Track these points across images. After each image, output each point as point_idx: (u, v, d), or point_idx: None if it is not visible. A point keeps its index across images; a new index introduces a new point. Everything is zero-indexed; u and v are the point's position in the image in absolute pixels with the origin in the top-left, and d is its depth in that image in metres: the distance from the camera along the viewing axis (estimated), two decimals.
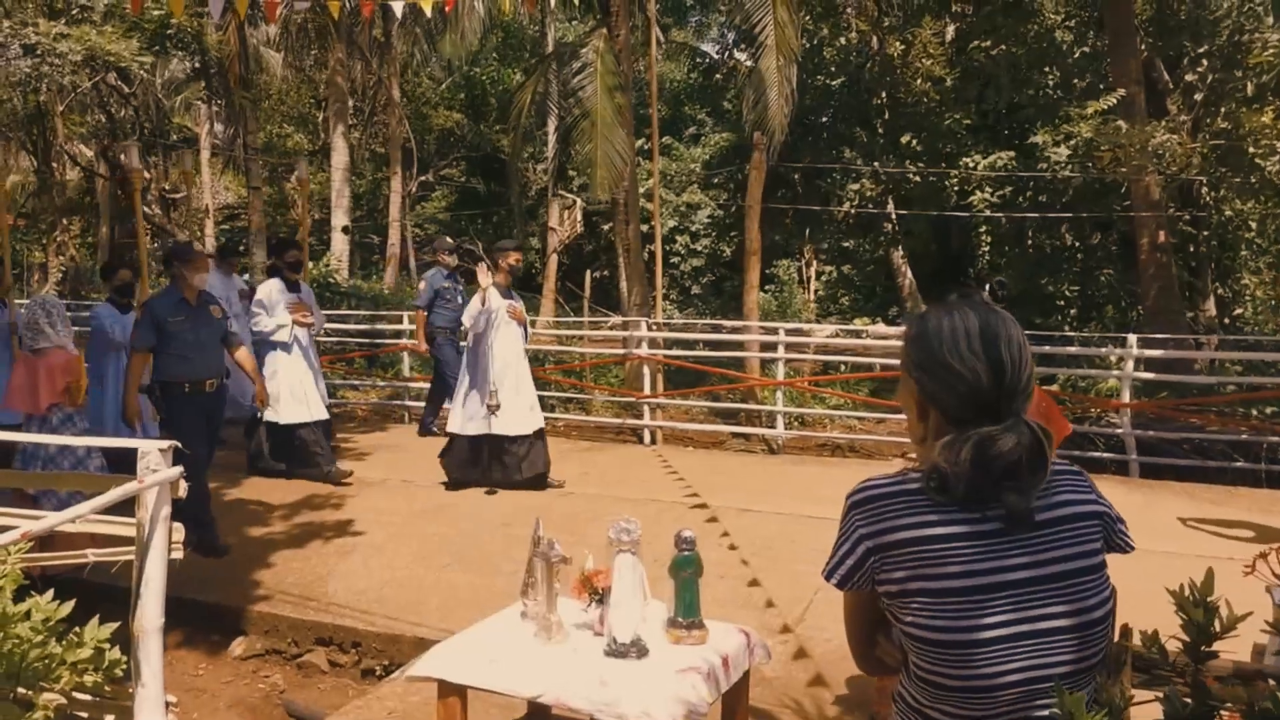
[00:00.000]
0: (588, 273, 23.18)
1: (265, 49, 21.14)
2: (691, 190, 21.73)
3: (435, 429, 8.66)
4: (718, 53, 18.66)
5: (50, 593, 2.95)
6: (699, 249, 22.15)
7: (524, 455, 6.68)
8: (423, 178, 25.01)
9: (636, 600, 2.66)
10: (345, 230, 14.52)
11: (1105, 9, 9.83)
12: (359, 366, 11.62)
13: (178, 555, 2.82)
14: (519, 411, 6.58)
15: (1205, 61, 10.18)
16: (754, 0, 9.44)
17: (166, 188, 22.77)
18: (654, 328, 9.79)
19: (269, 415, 6.87)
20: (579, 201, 20.55)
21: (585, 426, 9.73)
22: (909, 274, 16.53)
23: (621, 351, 9.92)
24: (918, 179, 14.46)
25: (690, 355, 10.58)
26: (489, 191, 26.86)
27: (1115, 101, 8.40)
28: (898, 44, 14.49)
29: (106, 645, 2.86)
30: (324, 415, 7.11)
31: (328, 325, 11.45)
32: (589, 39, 10.73)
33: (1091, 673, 1.36)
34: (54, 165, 17.92)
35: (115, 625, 2.87)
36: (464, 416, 6.65)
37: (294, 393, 6.89)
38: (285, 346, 6.92)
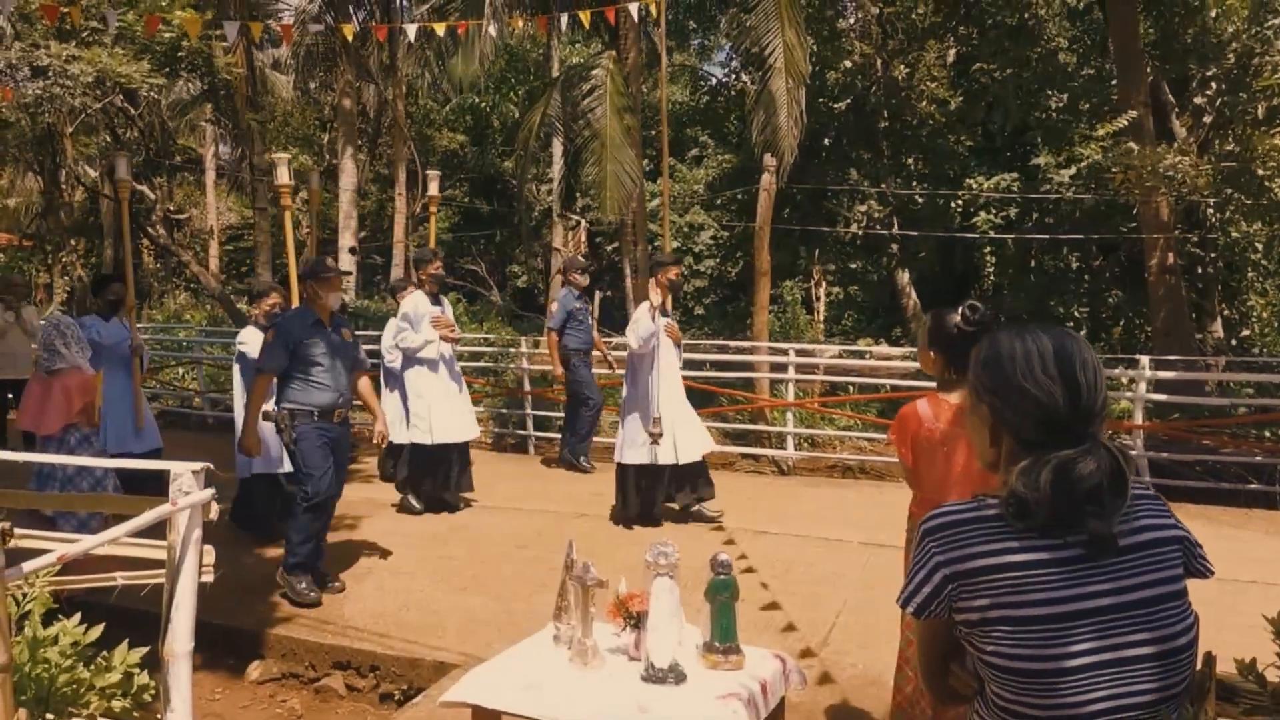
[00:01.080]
0: (596, 294, 23.19)
1: (271, 71, 21.32)
2: (694, 211, 21.81)
3: (585, 462, 8.26)
4: (725, 75, 18.76)
5: (77, 616, 2.92)
6: (702, 270, 22.19)
7: (692, 480, 6.41)
8: (423, 199, 25.10)
9: (674, 625, 2.63)
10: (352, 251, 14.56)
11: (1112, 33, 9.91)
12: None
13: (208, 579, 2.79)
14: (694, 433, 6.34)
15: (1214, 85, 10.24)
16: (763, 23, 9.51)
17: (171, 208, 22.83)
18: None
19: (416, 436, 6.58)
20: (583, 222, 20.61)
21: (594, 448, 9.69)
22: (914, 295, 16.56)
23: (623, 372, 9.88)
24: (923, 200, 14.52)
25: (698, 376, 10.56)
26: (491, 212, 26.94)
27: (1126, 124, 8.45)
28: (902, 67, 14.59)
29: (136, 670, 2.83)
30: (474, 433, 6.93)
31: None
32: (598, 61, 10.80)
33: (1176, 701, 1.34)
34: (62, 186, 17.97)
35: (145, 650, 2.84)
36: (631, 444, 6.27)
37: (444, 411, 6.57)
38: (432, 364, 6.59)
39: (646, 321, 6.03)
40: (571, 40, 23.01)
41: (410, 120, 21.94)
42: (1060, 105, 13.15)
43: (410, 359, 6.66)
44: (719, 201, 21.84)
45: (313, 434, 4.98)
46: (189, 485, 2.71)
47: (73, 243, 20.23)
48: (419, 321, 6.59)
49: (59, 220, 18.98)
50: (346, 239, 14.66)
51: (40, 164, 17.94)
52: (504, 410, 10.72)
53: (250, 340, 6.02)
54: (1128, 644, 1.32)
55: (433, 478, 6.71)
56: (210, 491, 2.74)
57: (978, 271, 17.39)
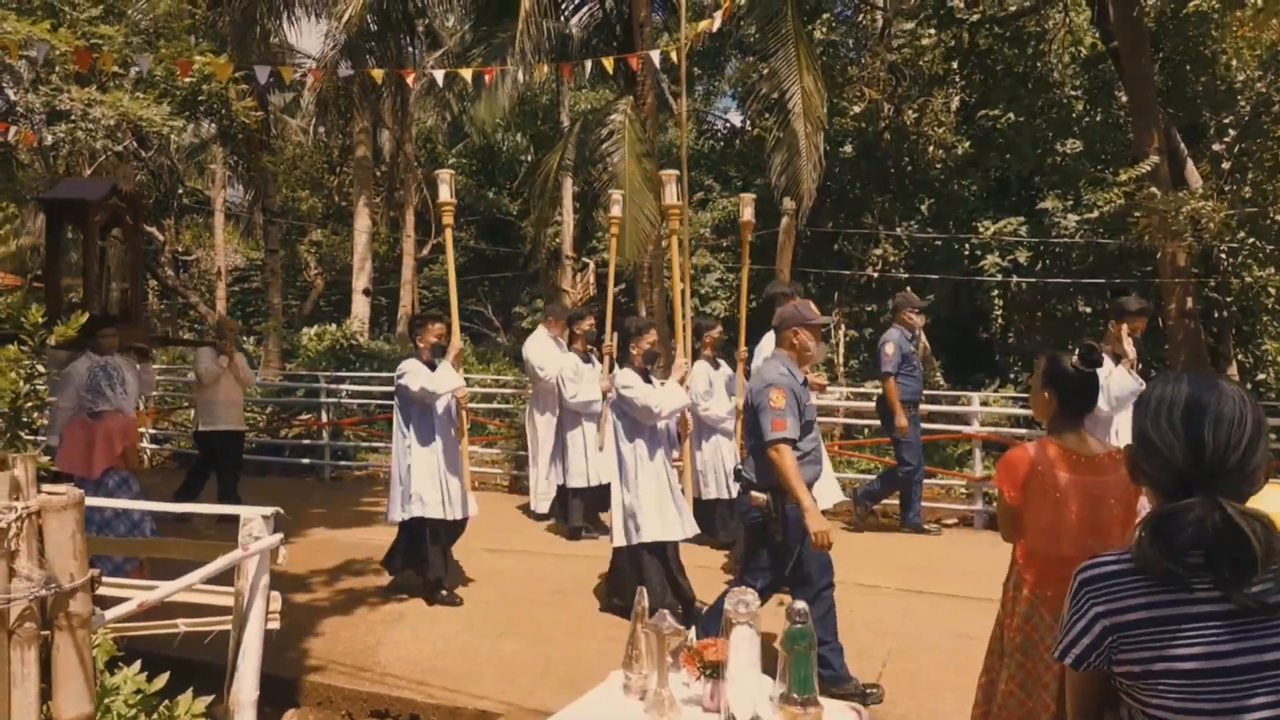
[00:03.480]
0: (616, 336, 23.23)
1: (283, 115, 21.58)
2: (700, 253, 21.94)
3: (927, 526, 7.60)
4: (741, 121, 18.98)
5: (137, 664, 2.87)
6: (707, 311, 22.28)
7: None
8: (435, 240, 25.27)
9: (755, 675, 2.59)
10: (366, 292, 14.60)
11: (1126, 82, 10.07)
12: (380, 428, 11.53)
13: (274, 625, 2.74)
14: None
15: (1232, 131, 10.39)
16: (783, 69, 9.65)
17: (179, 250, 22.93)
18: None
19: (574, 481, 7.05)
20: (590, 264, 20.71)
21: None
22: (924, 338, 16.58)
23: None
24: (938, 243, 14.62)
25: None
26: (497, 254, 27.07)
27: (1149, 169, 8.55)
28: (911, 112, 14.79)
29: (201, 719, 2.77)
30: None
31: (352, 387, 11.46)
32: (615, 106, 10.92)
33: None
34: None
35: (209, 699, 2.79)
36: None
37: (592, 456, 6.97)
38: (592, 417, 6.91)
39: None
40: (579, 86, 23.33)
41: (419, 164, 22.16)
42: (1077, 151, 13.32)
43: (574, 414, 7.08)
44: (725, 244, 21.99)
45: (799, 524, 3.92)
46: (259, 530, 2.67)
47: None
48: (581, 378, 6.94)
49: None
50: (361, 280, 14.72)
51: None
52: (521, 452, 10.66)
53: (412, 372, 5.48)
54: None
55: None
56: (278, 537, 2.71)
57: (985, 315, 17.46)
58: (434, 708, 4.36)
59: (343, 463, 10.95)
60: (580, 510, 7.22)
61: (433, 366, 5.55)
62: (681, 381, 5.40)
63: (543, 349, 7.63)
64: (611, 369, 6.48)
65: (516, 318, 27.15)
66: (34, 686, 2.04)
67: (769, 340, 5.88)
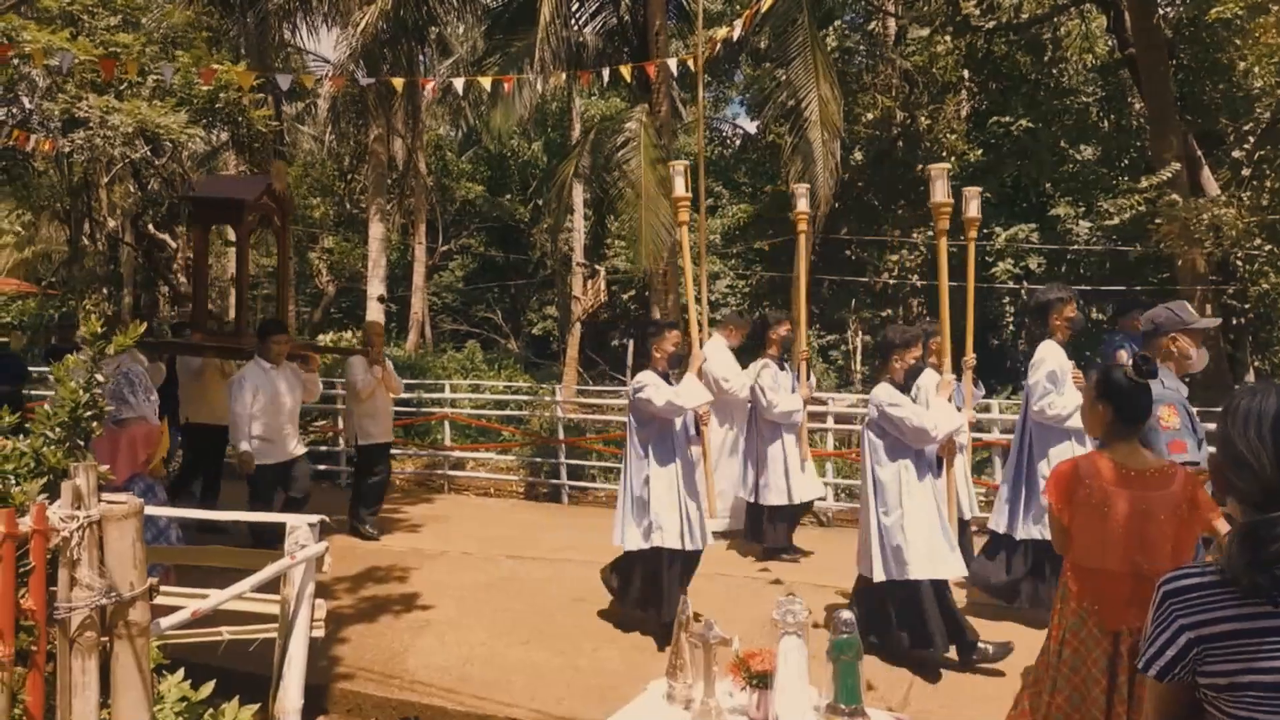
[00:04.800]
0: (630, 342, 23.20)
1: (294, 124, 21.66)
2: (710, 260, 21.98)
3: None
4: (758, 129, 19.03)
5: (181, 672, 2.88)
6: (717, 318, 22.29)
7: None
8: (445, 247, 25.36)
9: (803, 686, 2.58)
10: (380, 299, 14.63)
11: (1144, 89, 10.06)
12: (397, 435, 11.55)
13: (319, 634, 2.74)
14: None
15: (1251, 139, 10.38)
16: (799, 77, 9.66)
17: (191, 257, 22.90)
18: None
19: (773, 498, 6.55)
20: (601, 270, 20.77)
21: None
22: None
23: None
24: (953, 250, 14.61)
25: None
26: (507, 261, 27.15)
27: (1169, 176, 8.53)
28: (924, 119, 14.80)
29: None
30: (816, 494, 6.84)
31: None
32: (631, 114, 10.94)
33: None
34: (95, 236, 18.19)
35: (255, 707, 2.79)
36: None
37: (778, 474, 6.56)
38: (791, 428, 6.56)
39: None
40: (589, 94, 23.41)
41: (429, 172, 22.25)
42: (1095, 158, 13.31)
43: (773, 423, 6.59)
44: (735, 251, 22.01)
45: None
46: (305, 539, 2.67)
47: (106, 291, 20.42)
48: (780, 387, 6.52)
49: (84, 268, 19.14)
50: (375, 287, 14.76)
51: (68, 213, 18.16)
52: (536, 459, 10.68)
53: (653, 385, 5.01)
54: None
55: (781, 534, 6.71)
56: (325, 544, 2.71)
57: (995, 322, 17.43)
58: (464, 715, 4.36)
59: None
60: (782, 531, 6.72)
61: (666, 377, 5.13)
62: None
63: (725, 359, 7.15)
64: (808, 375, 6.44)
65: (526, 324, 27.23)
66: (94, 695, 2.05)
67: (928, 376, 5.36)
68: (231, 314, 21.59)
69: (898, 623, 4.58)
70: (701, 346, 5.47)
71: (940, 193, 4.98)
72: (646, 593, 5.13)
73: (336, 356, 10.82)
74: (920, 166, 14.16)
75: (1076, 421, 4.81)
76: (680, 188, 5.52)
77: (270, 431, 6.34)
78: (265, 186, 7.12)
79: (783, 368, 6.71)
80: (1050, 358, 5.12)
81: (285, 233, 7.84)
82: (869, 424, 4.74)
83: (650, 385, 4.97)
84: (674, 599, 4.65)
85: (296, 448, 6.57)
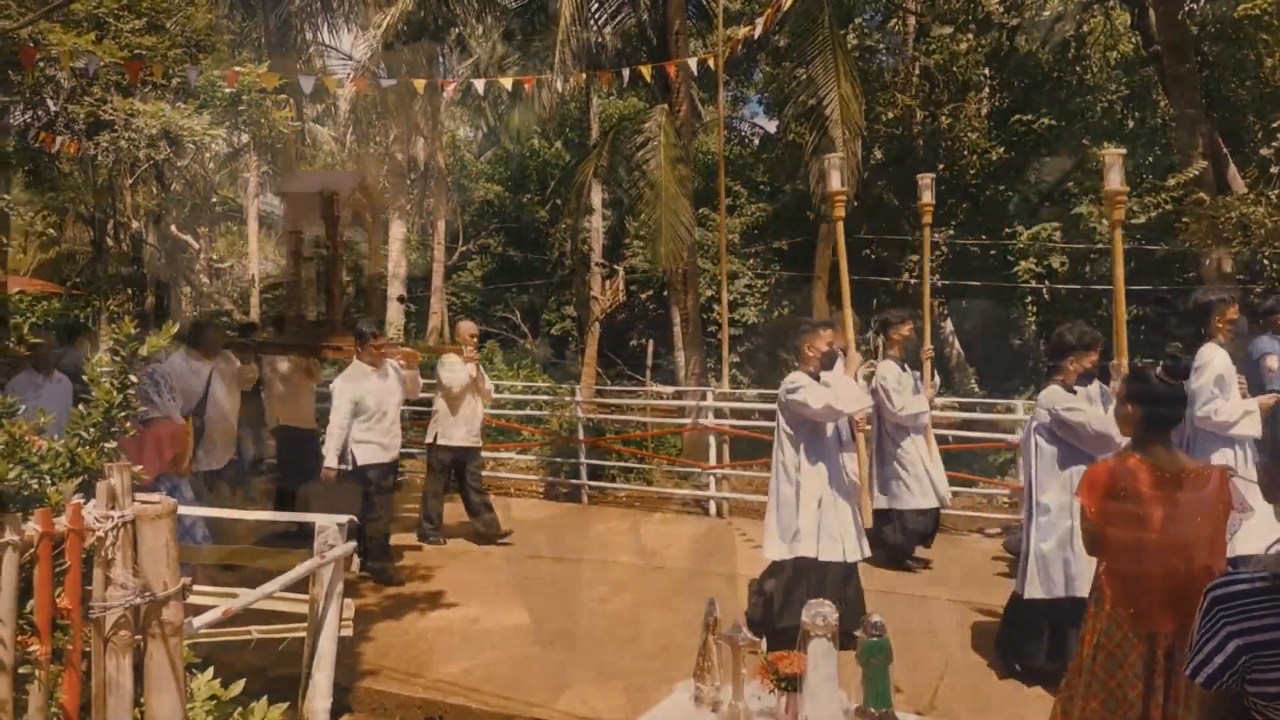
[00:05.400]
0: (649, 343, 23.20)
1: (313, 124, 21.82)
2: (728, 259, 21.93)
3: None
4: (778, 128, 18.99)
5: (210, 671, 2.89)
6: (735, 318, 22.25)
7: None
8: (464, 248, 25.43)
9: (833, 689, 2.56)
10: (401, 300, 14.71)
11: (1169, 85, 9.96)
12: (414, 434, 11.59)
13: (348, 633, 2.75)
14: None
15: (1278, 135, 10.27)
16: (820, 76, 9.63)
17: (214, 257, 23.22)
18: (719, 397, 9.73)
19: (912, 501, 6.31)
20: (620, 270, 20.76)
21: (647, 497, 9.64)
22: (956, 345, 16.47)
23: (687, 421, 9.84)
24: (975, 249, 14.54)
25: (750, 425, 10.47)
26: (525, 260, 27.19)
27: (1196, 174, 8.44)
28: (945, 118, 14.71)
29: None
30: (943, 500, 6.44)
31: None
32: (650, 114, 10.94)
33: None
34: (119, 237, 18.41)
35: (285, 705, 2.80)
36: None
37: (918, 477, 6.29)
38: (919, 430, 6.31)
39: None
40: (607, 94, 23.42)
41: (448, 171, 22.34)
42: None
43: (899, 426, 6.26)
44: (754, 250, 21.95)
45: None
46: (334, 539, 2.68)
47: (131, 291, 20.66)
48: (905, 389, 6.21)
49: (107, 269, 19.35)
50: (396, 288, 14.84)
51: (93, 214, 18.36)
52: (556, 459, 10.68)
53: (807, 386, 4.76)
54: None
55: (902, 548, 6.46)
56: (352, 545, 2.72)
57: (1016, 322, 17.29)
58: (490, 715, 4.36)
59: None
60: (913, 537, 6.48)
61: (816, 378, 4.87)
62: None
63: (899, 377, 6.66)
64: (933, 375, 6.33)
65: (546, 324, 27.25)
66: (129, 694, 2.06)
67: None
68: (254, 312, 21.79)
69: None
70: (829, 346, 5.09)
71: (835, 181, 5.18)
72: (782, 604, 4.80)
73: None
74: (941, 166, 14.09)
75: (1241, 428, 4.71)
76: (835, 182, 5.28)
77: (378, 434, 6.18)
78: (359, 180, 6.95)
79: (903, 368, 6.36)
80: (1215, 361, 4.85)
81: (374, 232, 7.69)
82: (1037, 429, 4.48)
83: (805, 387, 4.72)
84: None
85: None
